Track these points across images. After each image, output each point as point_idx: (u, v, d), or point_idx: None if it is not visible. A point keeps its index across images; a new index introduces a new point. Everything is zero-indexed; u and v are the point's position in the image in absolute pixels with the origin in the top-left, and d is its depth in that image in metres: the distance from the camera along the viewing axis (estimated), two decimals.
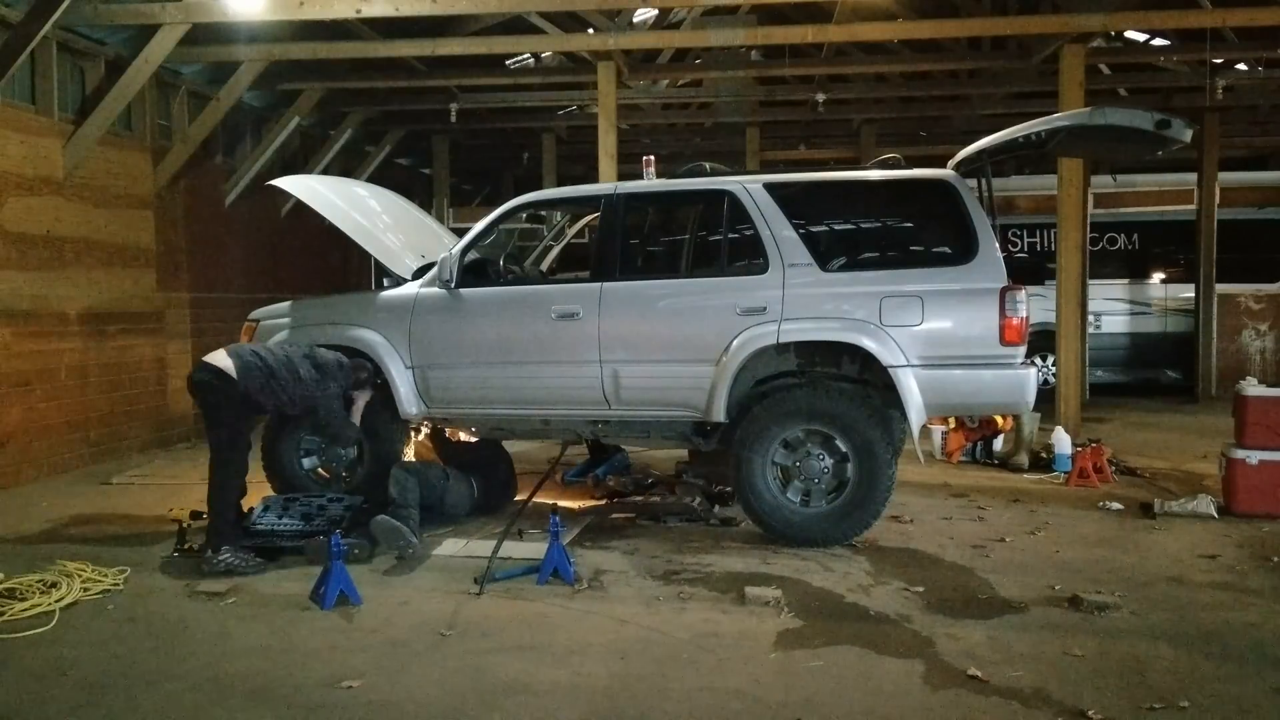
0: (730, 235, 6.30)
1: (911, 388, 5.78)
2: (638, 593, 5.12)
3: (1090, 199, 12.46)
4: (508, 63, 13.19)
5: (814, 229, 6.18)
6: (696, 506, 6.76)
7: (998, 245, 5.90)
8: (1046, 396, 8.11)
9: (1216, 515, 6.65)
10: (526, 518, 6.28)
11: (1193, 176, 13.27)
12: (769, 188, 6.18)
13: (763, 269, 6.03)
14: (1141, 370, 13.78)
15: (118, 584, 5.25)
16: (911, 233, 6.42)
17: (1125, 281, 13.74)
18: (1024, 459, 8.51)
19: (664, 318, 6.19)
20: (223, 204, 11.18)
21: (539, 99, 12.99)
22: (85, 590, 5.10)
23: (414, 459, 6.95)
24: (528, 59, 13.54)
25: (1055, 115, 6.00)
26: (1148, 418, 11.60)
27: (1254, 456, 6.59)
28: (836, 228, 6.48)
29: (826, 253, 6.10)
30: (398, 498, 6.03)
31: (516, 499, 6.98)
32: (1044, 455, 8.51)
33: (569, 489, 7.45)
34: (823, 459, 5.98)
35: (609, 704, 3.77)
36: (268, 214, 12.00)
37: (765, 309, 5.94)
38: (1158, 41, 12.13)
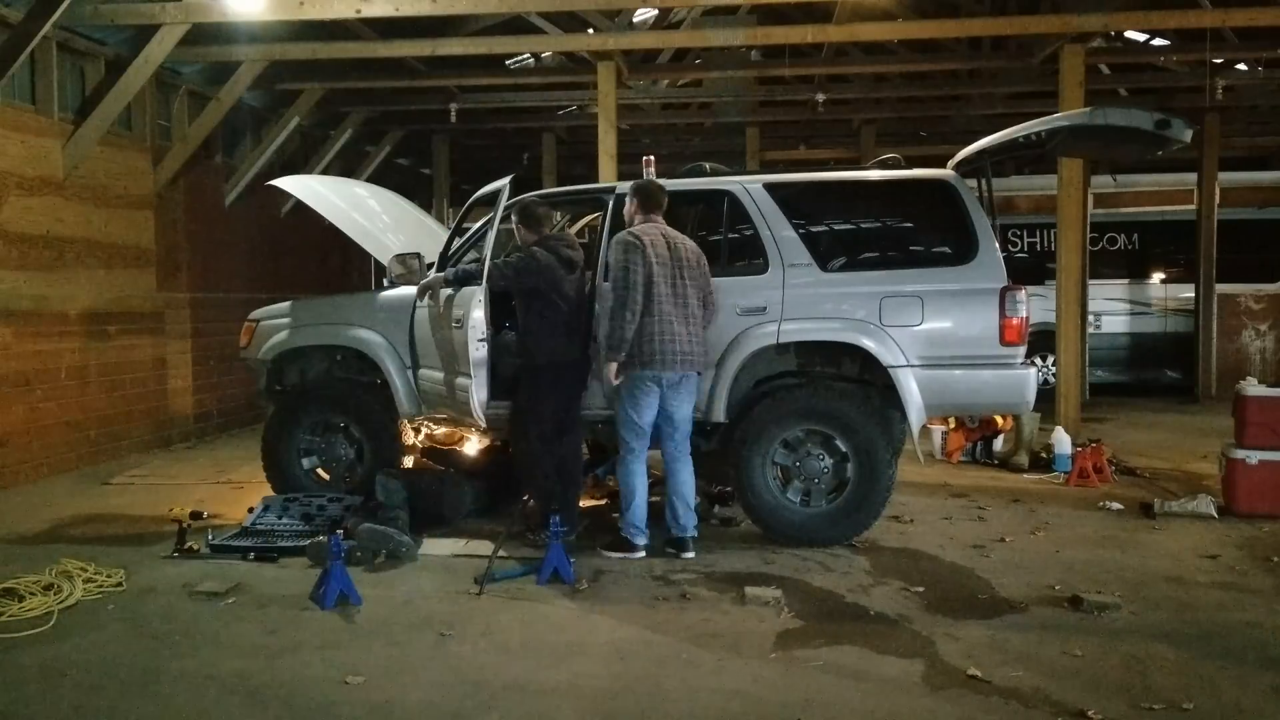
0: (730, 235, 6.30)
1: (911, 388, 5.79)
2: (638, 593, 5.12)
3: (1090, 199, 12.45)
4: (508, 63, 13.18)
5: (814, 229, 6.18)
6: (696, 506, 6.75)
7: (998, 245, 5.90)
8: (1046, 396, 8.11)
9: (1216, 515, 6.65)
10: (526, 518, 6.27)
11: (1193, 176, 13.26)
12: (769, 188, 6.18)
13: (763, 269, 6.03)
14: (1141, 370, 13.77)
15: (118, 584, 5.25)
16: (911, 233, 6.43)
17: (1125, 281, 13.73)
18: (1024, 459, 8.51)
19: None
20: (223, 204, 11.17)
21: (539, 99, 12.98)
22: (85, 590, 5.10)
23: (407, 465, 6.98)
24: (528, 59, 13.53)
25: (1055, 115, 6.00)
26: (1148, 418, 11.60)
27: (1254, 456, 6.59)
28: (836, 228, 6.48)
29: (826, 253, 6.11)
30: (385, 501, 6.08)
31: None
32: (1044, 455, 8.51)
33: None
34: (823, 459, 5.98)
35: (609, 704, 3.77)
36: (268, 214, 11.99)
37: (765, 309, 5.94)
38: (1158, 41, 12.13)
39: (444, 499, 6.45)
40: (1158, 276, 13.79)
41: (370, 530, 5.71)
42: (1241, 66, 12.61)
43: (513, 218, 6.03)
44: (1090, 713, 3.61)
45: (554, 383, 5.91)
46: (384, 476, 6.29)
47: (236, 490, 7.71)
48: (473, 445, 7.36)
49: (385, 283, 6.79)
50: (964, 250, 5.91)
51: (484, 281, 5.76)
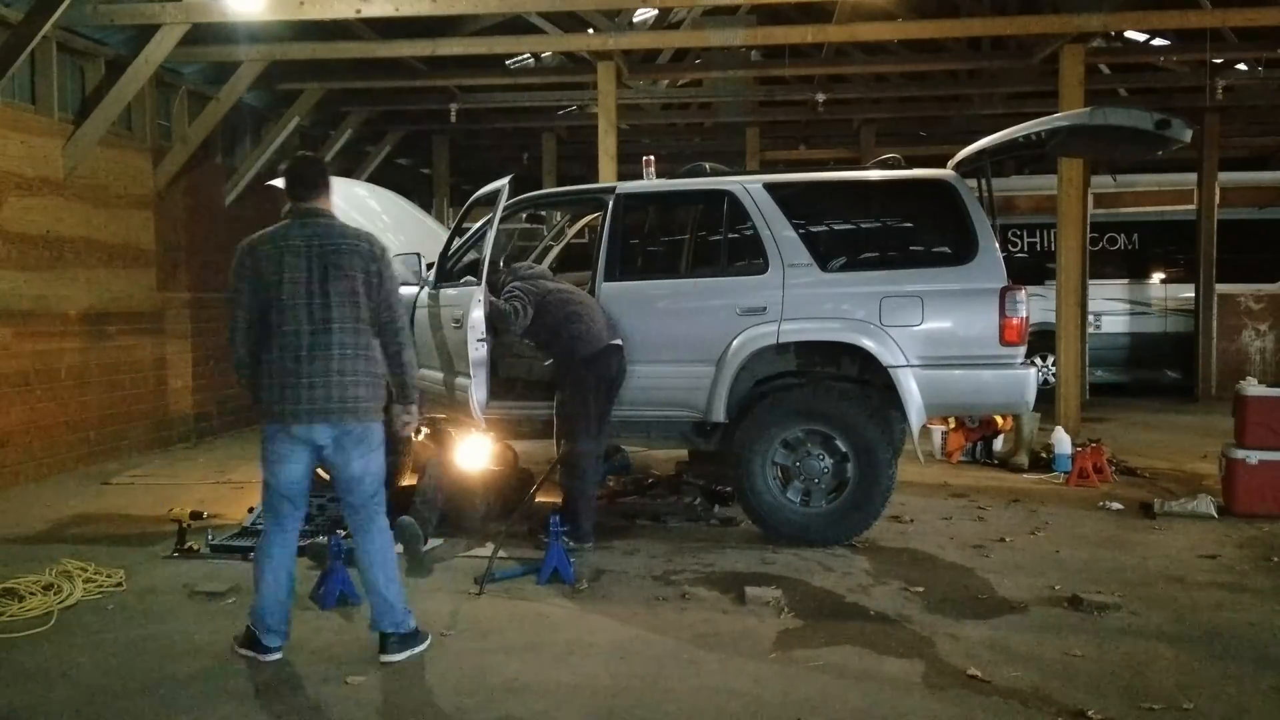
0: (730, 235, 6.30)
1: (911, 388, 5.78)
2: (638, 593, 5.12)
3: (1090, 199, 12.45)
4: (508, 63, 13.19)
5: (814, 229, 6.19)
6: (696, 506, 6.76)
7: (998, 245, 5.90)
8: (1046, 396, 8.11)
9: (1216, 515, 6.65)
10: (526, 518, 6.28)
11: (1193, 176, 13.26)
12: (769, 188, 6.18)
13: (763, 269, 6.03)
14: (1141, 370, 13.77)
15: (118, 584, 5.25)
16: (911, 233, 6.43)
17: (1125, 281, 13.73)
18: (1024, 459, 8.50)
19: (664, 318, 6.19)
20: (223, 204, 11.17)
21: (539, 99, 12.99)
22: (85, 590, 5.10)
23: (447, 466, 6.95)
24: (528, 59, 13.54)
25: (1055, 115, 6.01)
26: (1148, 418, 11.60)
27: (1254, 456, 6.59)
28: (836, 228, 6.49)
29: (826, 253, 6.11)
30: (426, 494, 6.03)
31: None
32: (1044, 455, 8.50)
33: None
34: (823, 459, 5.98)
35: (609, 704, 3.77)
36: (268, 214, 11.87)
37: (765, 309, 5.94)
38: (1158, 41, 12.13)
39: (470, 508, 6.41)
40: (1158, 276, 13.79)
41: (411, 526, 5.61)
42: (1241, 66, 12.62)
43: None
44: (1090, 713, 3.61)
45: (600, 375, 5.87)
46: (436, 468, 6.23)
47: (236, 490, 7.71)
48: (484, 453, 7.30)
49: None
50: (964, 250, 5.91)
51: (483, 284, 5.74)
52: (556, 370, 6.09)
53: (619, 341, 5.99)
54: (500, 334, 5.82)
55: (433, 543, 5.93)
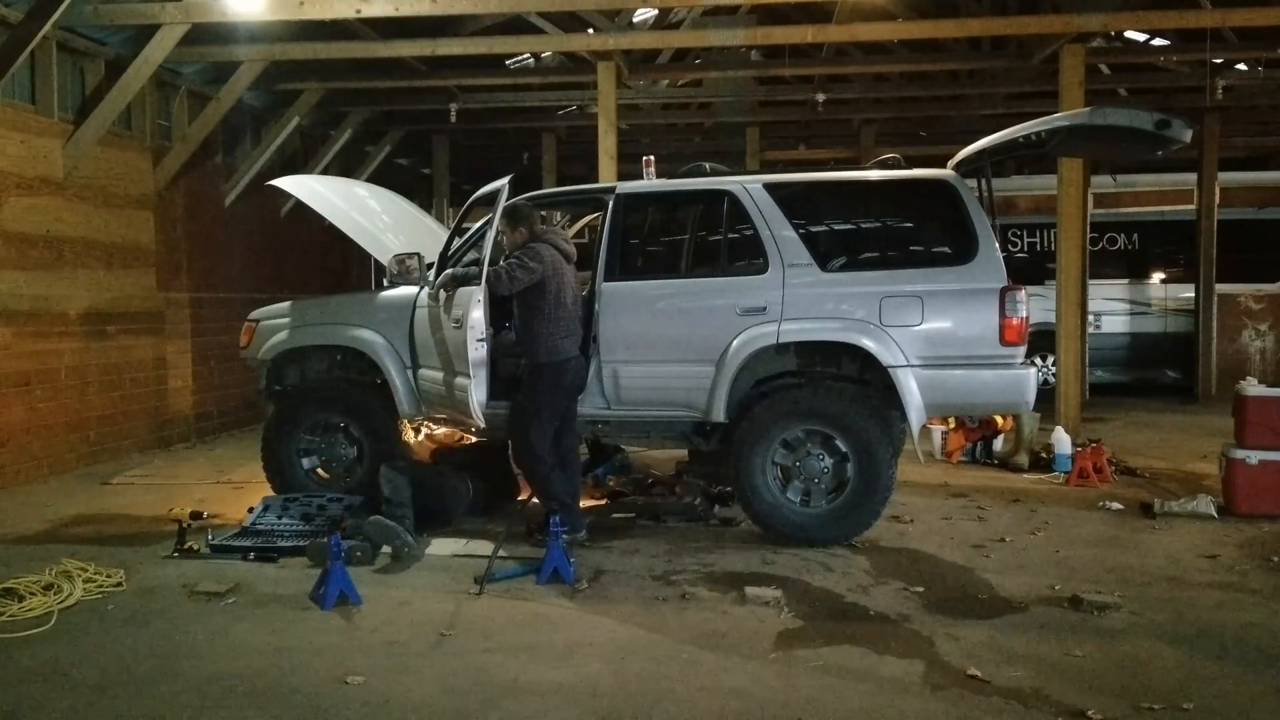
0: (730, 235, 6.30)
1: (911, 388, 5.78)
2: (638, 593, 5.12)
3: (1090, 199, 12.45)
4: (508, 63, 13.19)
5: (814, 229, 6.19)
6: (696, 506, 6.76)
7: (998, 245, 5.90)
8: (1046, 396, 8.11)
9: (1216, 515, 6.65)
10: (526, 518, 6.28)
11: (1193, 176, 13.26)
12: (769, 188, 6.18)
13: (763, 269, 6.03)
14: (1141, 370, 13.78)
15: (118, 584, 5.25)
16: (911, 233, 6.44)
17: (1125, 281, 13.75)
18: (1024, 459, 8.51)
19: (664, 318, 6.19)
20: (223, 204, 11.17)
21: (539, 99, 12.99)
22: (85, 590, 5.10)
23: (410, 458, 6.94)
24: (528, 59, 13.54)
25: (1055, 115, 6.00)
26: (1148, 418, 11.61)
27: (1254, 456, 6.59)
28: (836, 228, 6.49)
29: (826, 253, 6.11)
30: (391, 496, 6.05)
31: (518, 499, 6.98)
32: (1044, 455, 8.51)
33: None
34: (823, 459, 5.98)
35: (609, 704, 3.77)
36: (268, 214, 11.99)
37: (765, 309, 5.94)
38: (1158, 41, 12.13)
39: (446, 496, 6.45)
40: (1158, 276, 13.80)
41: (380, 524, 5.71)
42: (1241, 66, 12.61)
43: (498, 223, 5.92)
44: (1090, 713, 3.61)
45: (555, 381, 5.91)
46: (389, 469, 6.23)
47: (236, 490, 7.71)
48: (470, 443, 7.35)
49: (385, 283, 6.79)
50: (964, 250, 5.91)
51: (483, 284, 5.73)
52: (523, 360, 6.10)
53: (578, 354, 5.99)
54: (493, 288, 5.80)
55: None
